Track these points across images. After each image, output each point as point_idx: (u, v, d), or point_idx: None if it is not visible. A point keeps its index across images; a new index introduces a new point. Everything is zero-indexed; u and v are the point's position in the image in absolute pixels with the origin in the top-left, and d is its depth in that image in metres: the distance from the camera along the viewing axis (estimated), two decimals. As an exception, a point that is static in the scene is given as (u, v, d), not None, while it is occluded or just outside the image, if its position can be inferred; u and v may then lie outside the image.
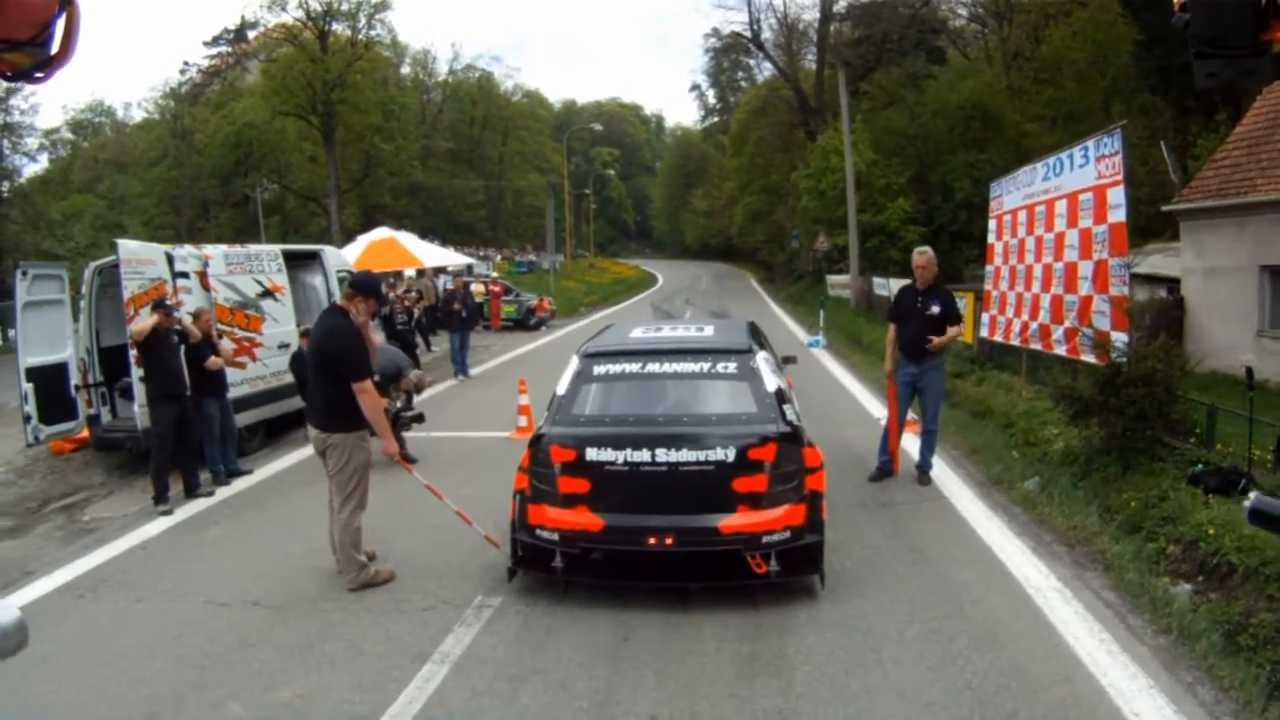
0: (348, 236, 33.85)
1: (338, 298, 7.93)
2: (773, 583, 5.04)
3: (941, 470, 7.95)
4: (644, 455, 5.00)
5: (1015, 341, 10.50)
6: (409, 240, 19.13)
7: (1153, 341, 7.57)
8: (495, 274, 33.22)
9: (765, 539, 4.95)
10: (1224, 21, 2.54)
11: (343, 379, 5.38)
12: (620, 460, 5.03)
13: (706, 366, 5.60)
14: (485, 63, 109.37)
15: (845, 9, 40.75)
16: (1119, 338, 7.45)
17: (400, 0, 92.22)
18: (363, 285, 5.73)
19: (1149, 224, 19.31)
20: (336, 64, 47.22)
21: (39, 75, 1.73)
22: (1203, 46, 2.60)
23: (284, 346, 10.23)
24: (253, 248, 10.76)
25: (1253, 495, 2.38)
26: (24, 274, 8.83)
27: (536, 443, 5.32)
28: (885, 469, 7.79)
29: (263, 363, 10.02)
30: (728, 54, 56.04)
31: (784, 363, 7.68)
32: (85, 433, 9.47)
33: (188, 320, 8.33)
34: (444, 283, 17.51)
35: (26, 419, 8.89)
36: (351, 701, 4.13)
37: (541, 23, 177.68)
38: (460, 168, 66.47)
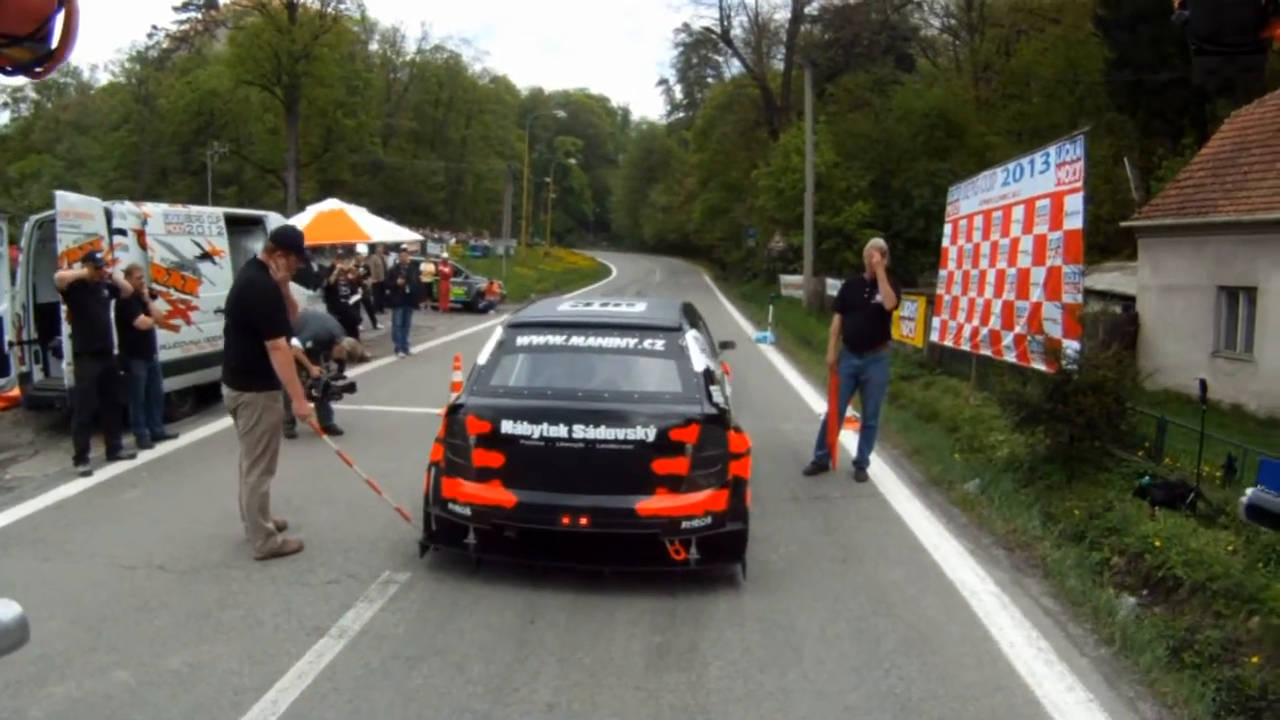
0: (303, 209, 33.18)
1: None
2: (692, 571, 4.83)
3: (880, 468, 7.69)
4: (561, 430, 4.77)
5: (965, 346, 10.30)
6: (358, 214, 18.48)
7: (1105, 351, 7.40)
8: (447, 255, 32.33)
9: (685, 524, 4.74)
10: (1224, 19, 2.57)
11: (258, 335, 5.16)
12: (536, 435, 4.80)
13: (633, 343, 5.34)
14: (455, 44, 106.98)
15: (818, 11, 41.00)
16: (1070, 345, 7.31)
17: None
18: (283, 239, 5.49)
19: (1108, 242, 19.44)
20: (303, 35, 46.58)
21: (38, 70, 1.75)
22: (1203, 44, 2.63)
23: (220, 311, 9.67)
24: (194, 209, 10.26)
25: (1249, 491, 2.08)
26: None
27: (453, 413, 5.06)
28: (821, 463, 7.52)
29: (197, 327, 9.62)
30: (697, 49, 56.11)
31: (721, 348, 7.41)
32: (16, 391, 9.12)
33: (120, 276, 7.94)
34: (393, 259, 16.96)
35: None
36: (240, 673, 3.91)
37: (514, 8, 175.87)
38: (422, 149, 65.65)
